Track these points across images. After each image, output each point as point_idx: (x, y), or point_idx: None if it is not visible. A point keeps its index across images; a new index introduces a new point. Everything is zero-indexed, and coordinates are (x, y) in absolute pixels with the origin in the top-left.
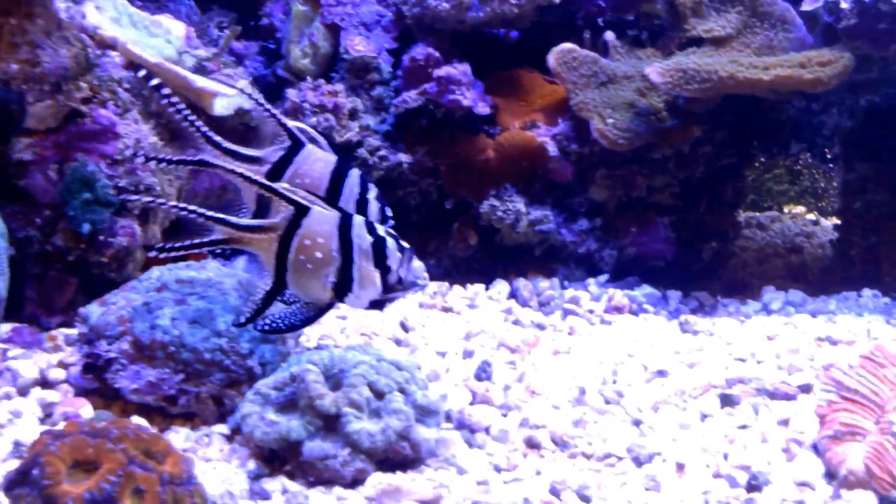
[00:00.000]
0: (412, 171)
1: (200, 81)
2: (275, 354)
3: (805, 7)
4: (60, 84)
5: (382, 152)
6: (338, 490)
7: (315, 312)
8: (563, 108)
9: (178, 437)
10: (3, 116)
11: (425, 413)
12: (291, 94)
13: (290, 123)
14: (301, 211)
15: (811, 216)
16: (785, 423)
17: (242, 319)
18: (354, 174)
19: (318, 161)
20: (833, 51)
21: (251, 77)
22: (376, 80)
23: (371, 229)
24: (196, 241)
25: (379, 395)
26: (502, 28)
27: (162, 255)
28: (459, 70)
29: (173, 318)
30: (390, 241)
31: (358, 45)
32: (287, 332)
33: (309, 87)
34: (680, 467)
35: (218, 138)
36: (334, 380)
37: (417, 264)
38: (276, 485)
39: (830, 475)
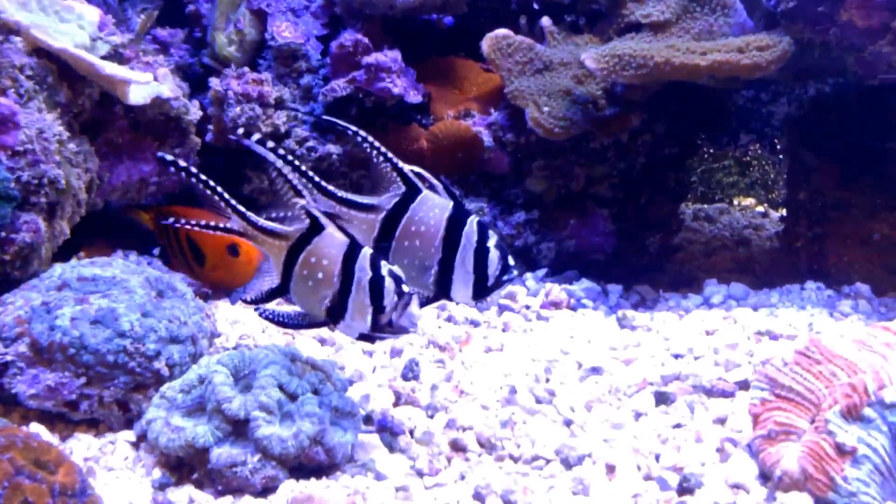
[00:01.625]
0: (342, 162)
1: (110, 68)
2: (184, 356)
3: None
4: None
5: (311, 143)
6: (247, 499)
7: (307, 323)
8: (498, 96)
9: (81, 444)
10: None
11: (342, 415)
12: (214, 82)
13: (406, 168)
14: (315, 228)
15: (760, 208)
16: (722, 421)
17: (248, 299)
18: (473, 222)
19: (434, 208)
20: (772, 35)
21: (174, 65)
22: (304, 68)
23: (374, 265)
24: (212, 223)
25: (292, 397)
26: (435, 13)
27: (176, 225)
28: (389, 57)
29: (73, 318)
30: (389, 282)
31: (285, 32)
32: (278, 327)
33: (233, 74)
34: (610, 469)
35: (332, 188)
36: (244, 381)
37: (414, 310)
38: (182, 495)
39: (765, 476)
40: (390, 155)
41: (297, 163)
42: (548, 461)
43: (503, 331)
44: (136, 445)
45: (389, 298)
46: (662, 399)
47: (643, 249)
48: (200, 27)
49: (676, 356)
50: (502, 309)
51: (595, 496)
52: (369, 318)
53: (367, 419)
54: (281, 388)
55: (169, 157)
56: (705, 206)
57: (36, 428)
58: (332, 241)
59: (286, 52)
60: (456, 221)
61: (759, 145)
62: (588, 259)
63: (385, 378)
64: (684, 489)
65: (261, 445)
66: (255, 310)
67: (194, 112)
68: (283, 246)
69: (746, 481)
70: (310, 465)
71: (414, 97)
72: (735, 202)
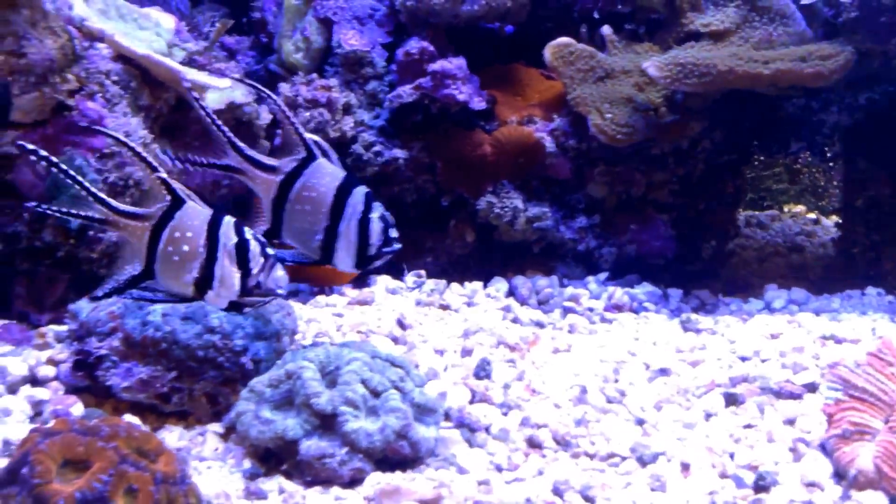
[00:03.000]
0: (408, 166)
1: (191, 74)
2: (269, 351)
3: (804, 1)
4: (47, 76)
5: (377, 148)
6: (336, 490)
7: (175, 300)
8: (560, 103)
9: (172, 435)
10: None
11: (423, 411)
12: (284, 88)
13: (308, 135)
14: (176, 203)
15: (811, 215)
16: (791, 422)
17: (100, 294)
18: (360, 192)
19: (326, 176)
20: (834, 45)
21: (243, 72)
22: (370, 74)
23: (239, 231)
24: (73, 210)
25: (375, 393)
26: (497, 22)
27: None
28: (454, 64)
29: (165, 314)
30: (254, 245)
31: (351, 40)
32: (148, 303)
33: (302, 81)
34: (685, 467)
35: (241, 144)
36: (330, 377)
37: (280, 273)
38: (272, 484)
39: (839, 475)
40: (295, 120)
41: (213, 116)
42: (623, 458)
43: (569, 332)
44: (224, 437)
45: (255, 261)
46: (732, 400)
47: (698, 255)
48: (266, 34)
49: (743, 359)
50: (566, 311)
51: (672, 493)
52: (237, 283)
53: (445, 416)
54: (364, 383)
55: (30, 146)
56: (756, 212)
57: (129, 419)
58: (195, 212)
59: (353, 58)
60: (345, 191)
61: (808, 153)
62: (648, 263)
63: (458, 376)
64: (760, 487)
65: (348, 439)
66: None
67: (265, 117)
68: (146, 227)
69: (821, 480)
70: (394, 458)
71: (478, 104)
72: (785, 209)
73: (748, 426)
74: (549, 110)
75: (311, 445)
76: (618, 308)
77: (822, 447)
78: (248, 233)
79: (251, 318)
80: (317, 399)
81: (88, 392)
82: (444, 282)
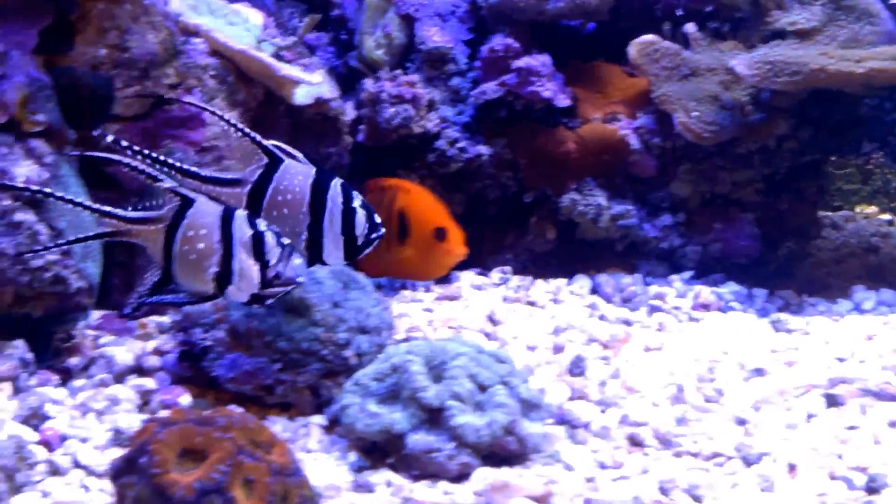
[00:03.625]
0: (491, 163)
1: (286, 70)
2: (371, 345)
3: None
4: (148, 70)
5: (462, 144)
6: (443, 484)
7: (197, 300)
8: (643, 100)
9: (276, 427)
10: (91, 102)
11: (530, 407)
12: (368, 84)
13: (265, 141)
14: (186, 203)
15: (885, 216)
16: (894, 424)
17: (128, 311)
18: (336, 184)
19: (297, 175)
20: None
21: (327, 67)
22: (453, 71)
23: (252, 223)
24: (81, 236)
25: (481, 387)
26: (580, 19)
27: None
28: (539, 61)
29: (270, 307)
30: (269, 236)
31: (435, 36)
32: (171, 308)
33: (387, 77)
34: (791, 468)
35: (195, 169)
36: (436, 371)
37: (297, 262)
38: (379, 477)
39: None
40: (246, 129)
41: (145, 151)
42: (728, 458)
43: (658, 330)
44: (327, 429)
45: (272, 252)
46: (832, 401)
47: (774, 255)
48: (346, 30)
49: (840, 360)
50: (653, 309)
51: (781, 493)
52: (256, 274)
53: (546, 412)
54: (471, 378)
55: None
56: (830, 213)
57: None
58: (206, 208)
59: (435, 55)
60: (320, 186)
61: (881, 154)
62: (732, 263)
63: (552, 373)
64: (871, 489)
65: (456, 433)
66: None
67: (350, 112)
68: (160, 230)
69: None
70: (501, 453)
71: (563, 101)
72: (857, 210)
73: (852, 427)
74: (632, 108)
75: (419, 439)
76: (704, 307)
77: None
78: (262, 224)
79: (353, 311)
80: (424, 393)
81: (191, 382)
82: (529, 278)
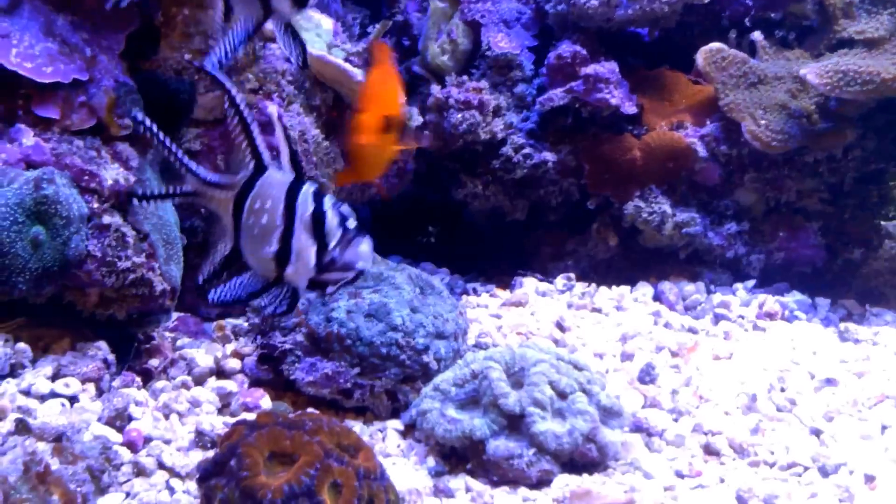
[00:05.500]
0: (555, 169)
1: (360, 74)
2: (449, 351)
3: None
4: (230, 74)
5: (527, 150)
6: (523, 491)
7: (261, 286)
8: (709, 108)
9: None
10: (174, 106)
11: (609, 414)
12: (435, 89)
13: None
14: (259, 169)
15: None
16: None
17: (200, 280)
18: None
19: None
20: None
21: None
22: (518, 77)
23: (317, 198)
24: (167, 190)
25: (561, 395)
26: (647, 27)
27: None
28: (607, 68)
29: (349, 311)
30: (331, 215)
31: (501, 42)
32: (233, 306)
33: (454, 83)
34: (869, 479)
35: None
36: (515, 378)
37: (364, 248)
38: (458, 483)
39: None
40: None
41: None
42: (805, 468)
43: (724, 339)
44: (404, 434)
45: (332, 233)
46: None
47: (832, 265)
48: (409, 36)
49: None
50: (718, 318)
51: None
52: (312, 256)
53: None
54: (551, 385)
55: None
56: (885, 223)
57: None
58: (275, 178)
59: (502, 61)
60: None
61: None
62: (796, 271)
63: (623, 380)
64: None
65: (536, 440)
66: (206, 298)
67: (416, 118)
68: (230, 197)
69: None
70: (581, 460)
71: (629, 108)
72: None
73: None
74: (699, 115)
75: (499, 445)
76: (769, 316)
77: None
78: (328, 201)
79: (431, 316)
80: (505, 399)
81: (270, 385)
82: (593, 285)
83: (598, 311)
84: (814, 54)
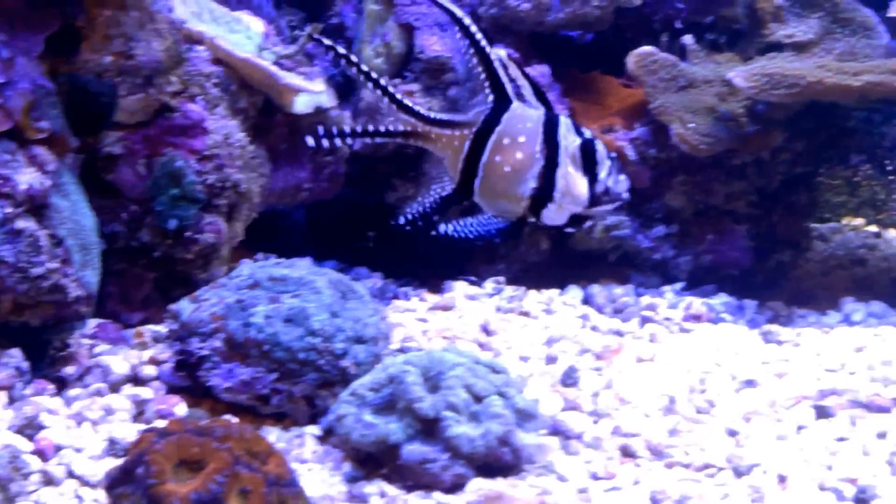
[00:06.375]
0: None
1: (287, 78)
2: (368, 356)
3: (891, 13)
4: (152, 77)
5: (350, 141)
6: (437, 495)
7: (509, 225)
8: (640, 112)
9: (270, 437)
10: (94, 109)
11: (525, 417)
12: (366, 93)
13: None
14: (503, 106)
15: (872, 228)
16: (883, 436)
17: (402, 220)
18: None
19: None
20: None
21: (327, 75)
22: (451, 80)
23: (579, 130)
24: (373, 128)
25: (477, 398)
26: (580, 30)
27: (342, 142)
28: (538, 72)
29: (267, 316)
30: (600, 145)
31: (434, 45)
32: (477, 243)
33: None
34: (782, 479)
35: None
36: (432, 382)
37: (623, 177)
38: (373, 488)
39: None
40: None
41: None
42: (719, 469)
43: (650, 341)
44: (322, 439)
45: (603, 164)
46: (822, 413)
47: (763, 266)
48: (344, 39)
49: (830, 371)
50: (644, 320)
51: None
52: (585, 190)
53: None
54: (467, 388)
55: (326, 41)
56: (817, 224)
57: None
58: (525, 114)
59: (435, 64)
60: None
61: (869, 166)
62: (723, 274)
63: (546, 384)
64: (860, 500)
65: (451, 444)
66: (438, 232)
67: (348, 121)
68: (466, 136)
69: None
70: (495, 464)
71: (560, 111)
72: (843, 222)
73: (841, 439)
74: (629, 119)
75: (414, 450)
76: (696, 318)
77: None
78: (589, 132)
79: (351, 321)
80: (419, 404)
81: (187, 392)
82: (522, 288)
83: (527, 314)
84: (744, 58)
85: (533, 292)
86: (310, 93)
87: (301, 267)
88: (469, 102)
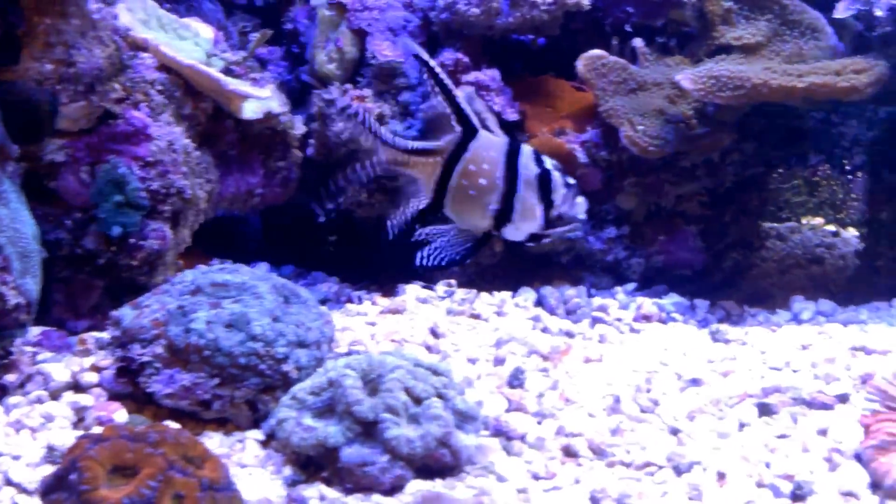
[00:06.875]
0: None
1: (233, 84)
2: (310, 360)
3: (838, 14)
4: (94, 85)
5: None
6: (376, 497)
7: (472, 243)
8: (590, 115)
9: (212, 442)
10: (35, 117)
11: (465, 419)
12: (318, 98)
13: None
14: (470, 134)
15: (830, 227)
16: (824, 432)
17: (391, 233)
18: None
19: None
20: (868, 59)
21: (278, 81)
22: (403, 85)
23: (539, 161)
24: (369, 172)
25: (417, 400)
26: (530, 34)
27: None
28: (488, 76)
29: (208, 322)
30: (556, 175)
31: (385, 51)
32: (448, 268)
33: (337, 91)
34: (721, 476)
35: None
36: (372, 385)
37: (580, 200)
38: (313, 491)
39: (875, 485)
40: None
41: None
42: (659, 467)
43: (599, 342)
44: (264, 444)
45: (559, 191)
46: (765, 410)
47: (720, 266)
48: (298, 44)
49: (774, 369)
50: (595, 321)
51: (709, 501)
52: (540, 214)
53: (483, 424)
54: (407, 391)
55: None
56: (776, 224)
57: (169, 425)
58: (491, 142)
59: (386, 69)
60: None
61: (828, 166)
62: (675, 274)
63: (492, 385)
64: (797, 496)
65: (389, 446)
66: (416, 263)
67: (299, 127)
68: (438, 162)
69: (857, 489)
70: (435, 465)
71: (511, 115)
72: (803, 221)
73: (782, 436)
74: (580, 122)
75: (353, 452)
76: (646, 318)
77: (858, 457)
78: (549, 162)
79: (293, 325)
80: (359, 406)
81: (130, 398)
82: (474, 291)
83: (478, 316)
84: (694, 60)
85: (485, 295)
86: (257, 98)
87: (244, 272)
88: (419, 107)
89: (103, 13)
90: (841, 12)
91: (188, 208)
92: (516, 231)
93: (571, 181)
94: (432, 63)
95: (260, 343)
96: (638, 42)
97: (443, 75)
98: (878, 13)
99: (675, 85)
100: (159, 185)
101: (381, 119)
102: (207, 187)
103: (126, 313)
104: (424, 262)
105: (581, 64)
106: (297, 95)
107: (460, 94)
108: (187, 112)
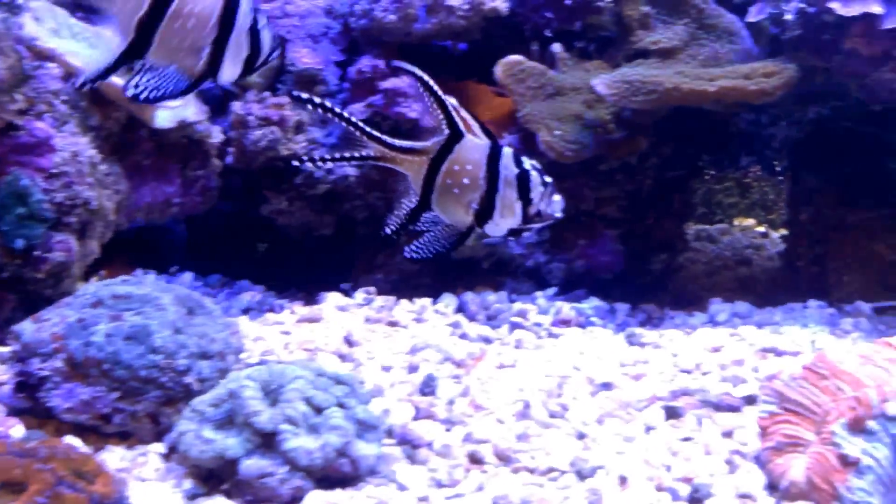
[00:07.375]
0: (359, 184)
1: None
2: (213, 371)
3: (750, 18)
4: None
5: (329, 165)
6: None
7: (457, 237)
8: (510, 120)
9: (114, 456)
10: None
11: (365, 428)
12: (236, 106)
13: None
14: (455, 137)
15: (761, 228)
16: (729, 434)
17: (388, 231)
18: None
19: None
20: (777, 62)
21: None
22: (323, 92)
23: (518, 162)
24: (349, 154)
25: (317, 410)
26: (450, 40)
27: (310, 167)
28: (406, 82)
29: (108, 335)
30: (534, 175)
31: (305, 58)
32: (434, 260)
33: (254, 99)
34: (623, 480)
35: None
36: (272, 396)
37: (557, 198)
38: None
39: (772, 487)
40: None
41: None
42: (562, 473)
43: (516, 347)
44: (166, 457)
45: (536, 190)
46: (672, 413)
47: (648, 269)
48: None
49: (685, 372)
50: (514, 326)
51: None
52: (519, 211)
53: (388, 433)
54: (307, 401)
55: (304, 95)
56: (707, 226)
57: (70, 440)
58: (473, 145)
59: (306, 76)
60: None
61: (759, 167)
62: (596, 278)
63: (404, 393)
64: (695, 499)
65: (288, 457)
66: (407, 254)
67: (217, 135)
68: (425, 161)
69: (754, 491)
70: (335, 476)
71: (429, 121)
72: (735, 223)
73: (686, 439)
74: (499, 127)
75: (251, 464)
76: (565, 323)
77: (757, 459)
78: (528, 163)
79: (195, 337)
80: (257, 417)
81: (30, 414)
82: (393, 298)
83: (395, 324)
84: (613, 65)
85: (405, 302)
86: (167, 108)
87: (147, 284)
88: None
89: (7, 23)
90: (753, 16)
91: (96, 220)
92: (497, 227)
93: (548, 180)
94: (426, 78)
95: (161, 355)
96: (557, 47)
97: (435, 87)
98: (788, 17)
99: (592, 90)
100: (64, 197)
101: (299, 127)
102: (116, 198)
103: (26, 327)
104: (413, 254)
105: (499, 70)
106: (220, 103)
107: (453, 100)
108: (93, 122)
